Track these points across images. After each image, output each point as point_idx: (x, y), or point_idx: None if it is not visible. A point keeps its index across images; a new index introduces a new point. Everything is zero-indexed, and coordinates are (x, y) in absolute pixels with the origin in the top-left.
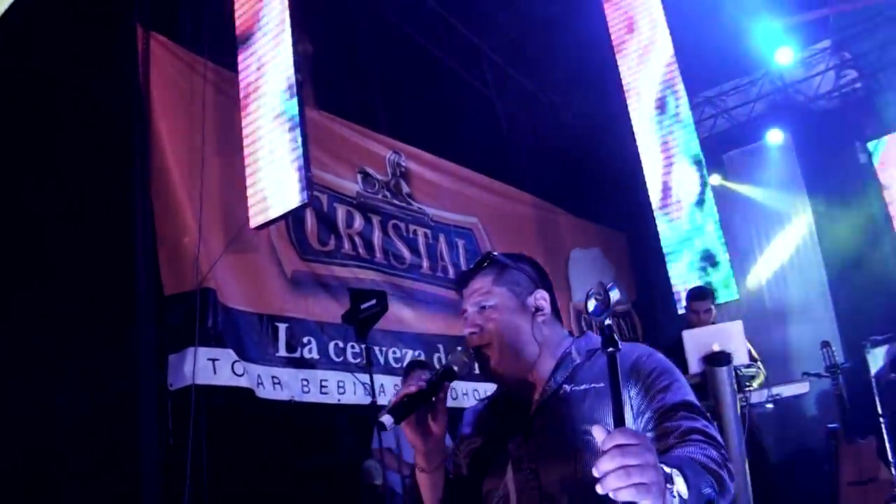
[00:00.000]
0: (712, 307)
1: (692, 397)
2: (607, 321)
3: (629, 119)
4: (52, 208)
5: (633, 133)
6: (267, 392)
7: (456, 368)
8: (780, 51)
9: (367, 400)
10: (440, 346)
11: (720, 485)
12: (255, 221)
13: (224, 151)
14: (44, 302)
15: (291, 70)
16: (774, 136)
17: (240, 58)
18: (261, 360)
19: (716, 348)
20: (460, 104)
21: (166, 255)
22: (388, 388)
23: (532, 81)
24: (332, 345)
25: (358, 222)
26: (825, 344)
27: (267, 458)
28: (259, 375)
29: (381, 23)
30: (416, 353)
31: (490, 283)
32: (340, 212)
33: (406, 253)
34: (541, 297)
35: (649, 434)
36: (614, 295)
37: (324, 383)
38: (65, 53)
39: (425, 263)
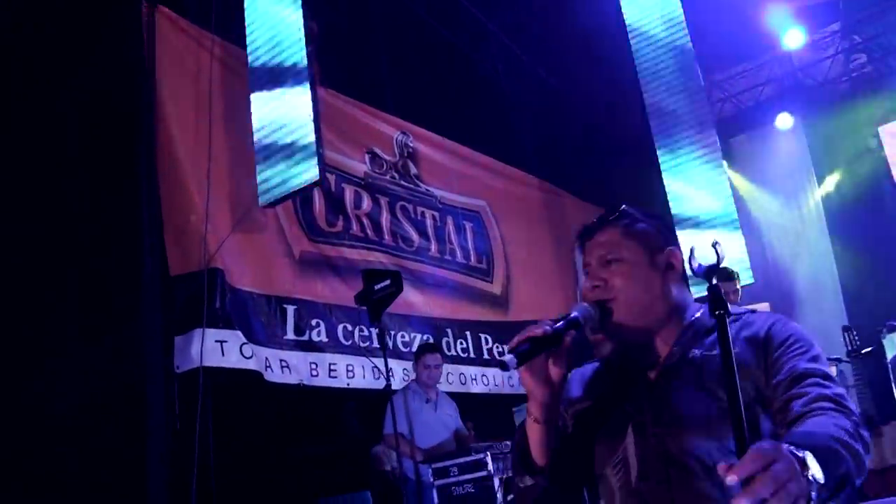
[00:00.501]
0: (738, 289)
1: (826, 366)
2: (714, 280)
3: (638, 101)
4: (57, 188)
5: (643, 115)
6: (275, 375)
7: (581, 320)
8: (790, 34)
9: (377, 384)
10: (448, 331)
11: (856, 459)
12: (263, 200)
13: (232, 129)
14: (49, 284)
15: (302, 45)
16: (783, 121)
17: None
18: (269, 342)
19: None
20: (468, 85)
21: (172, 235)
22: (398, 373)
23: (540, 62)
24: (340, 328)
25: (366, 203)
26: (847, 329)
27: (275, 442)
28: (267, 358)
29: (389, 1)
30: (426, 336)
31: (619, 236)
32: (348, 192)
33: (414, 235)
34: (673, 255)
35: (781, 398)
36: (722, 252)
37: (332, 367)
38: (68, 28)
39: (434, 246)
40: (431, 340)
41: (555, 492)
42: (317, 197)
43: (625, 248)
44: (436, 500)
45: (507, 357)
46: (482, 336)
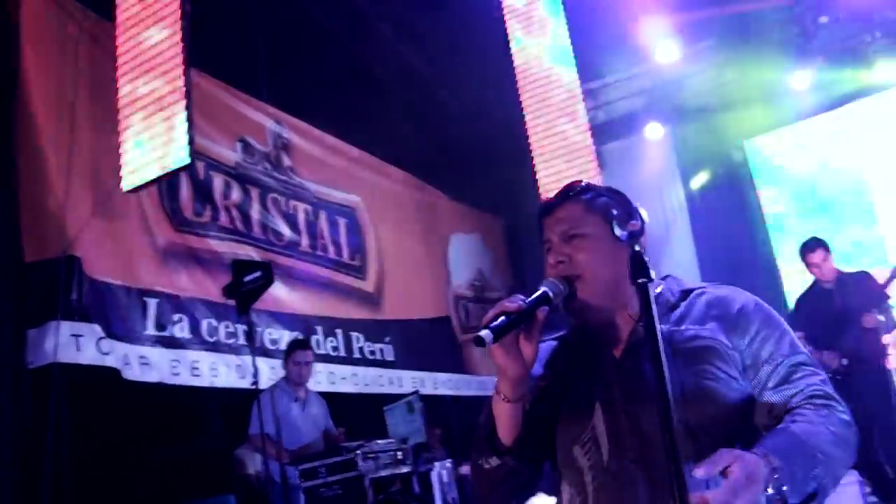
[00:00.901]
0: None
1: (802, 349)
2: (636, 247)
3: (515, 105)
4: None
5: (519, 119)
6: (134, 373)
7: (551, 295)
8: (663, 47)
9: (242, 383)
10: (319, 328)
11: (833, 468)
12: (127, 183)
13: (98, 107)
14: None
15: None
16: (653, 131)
17: (119, 8)
18: (128, 337)
19: None
20: (347, 78)
21: (29, 217)
22: (265, 372)
23: (419, 57)
24: (205, 323)
25: (236, 194)
26: None
27: (133, 443)
28: (126, 355)
29: None
30: (294, 334)
31: (581, 211)
32: (217, 181)
33: (285, 229)
34: (634, 226)
35: (769, 390)
36: (646, 217)
37: (195, 365)
38: None
39: (305, 241)
40: (301, 337)
41: (520, 472)
42: (184, 184)
43: (587, 223)
44: (303, 502)
45: (484, 332)
46: (353, 335)
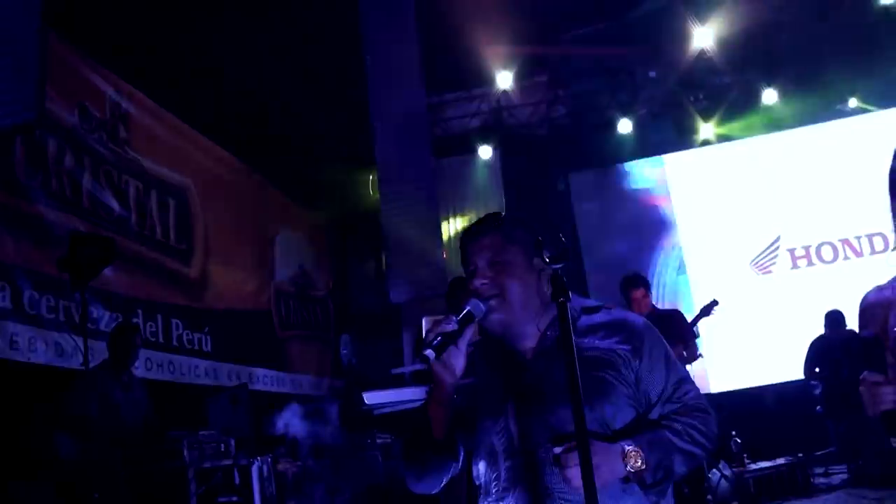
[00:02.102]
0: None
1: (683, 367)
2: (558, 267)
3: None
4: None
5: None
6: None
7: (475, 313)
8: (502, 75)
9: (61, 362)
10: (140, 312)
11: (688, 458)
12: None
13: None
14: None
15: None
16: (484, 152)
17: None
18: None
19: None
20: (195, 57)
21: None
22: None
23: (270, 46)
24: (27, 294)
25: (69, 161)
26: None
27: None
28: None
29: None
30: (114, 315)
31: (502, 241)
32: (52, 145)
33: (115, 204)
34: (546, 256)
35: (659, 401)
36: (565, 242)
37: (14, 338)
38: None
39: (134, 218)
40: (121, 319)
41: (448, 459)
42: (18, 144)
43: (508, 253)
44: (123, 489)
45: (428, 352)
46: (173, 321)
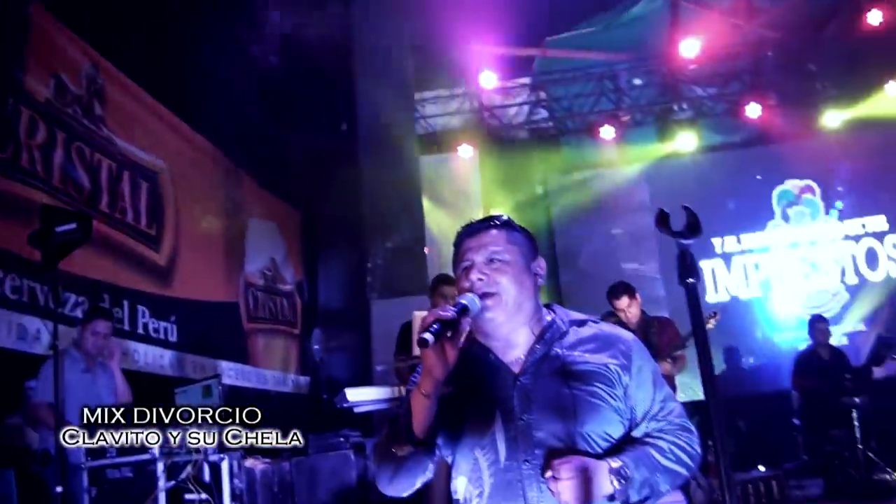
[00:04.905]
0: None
1: (667, 385)
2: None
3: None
4: None
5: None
6: None
7: (469, 307)
8: (485, 74)
9: (22, 346)
10: (106, 297)
11: (671, 477)
12: None
13: None
14: None
15: None
16: (464, 151)
17: None
18: None
19: None
20: (172, 36)
21: None
22: (44, 336)
23: (250, 34)
24: None
25: (41, 134)
26: None
27: None
28: None
29: None
30: (80, 299)
31: (504, 241)
32: (24, 117)
33: (86, 182)
34: (541, 266)
35: (645, 418)
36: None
37: None
38: None
39: (104, 199)
40: (86, 304)
41: (424, 459)
42: None
43: (507, 253)
44: (86, 483)
45: (426, 335)
46: (140, 308)
